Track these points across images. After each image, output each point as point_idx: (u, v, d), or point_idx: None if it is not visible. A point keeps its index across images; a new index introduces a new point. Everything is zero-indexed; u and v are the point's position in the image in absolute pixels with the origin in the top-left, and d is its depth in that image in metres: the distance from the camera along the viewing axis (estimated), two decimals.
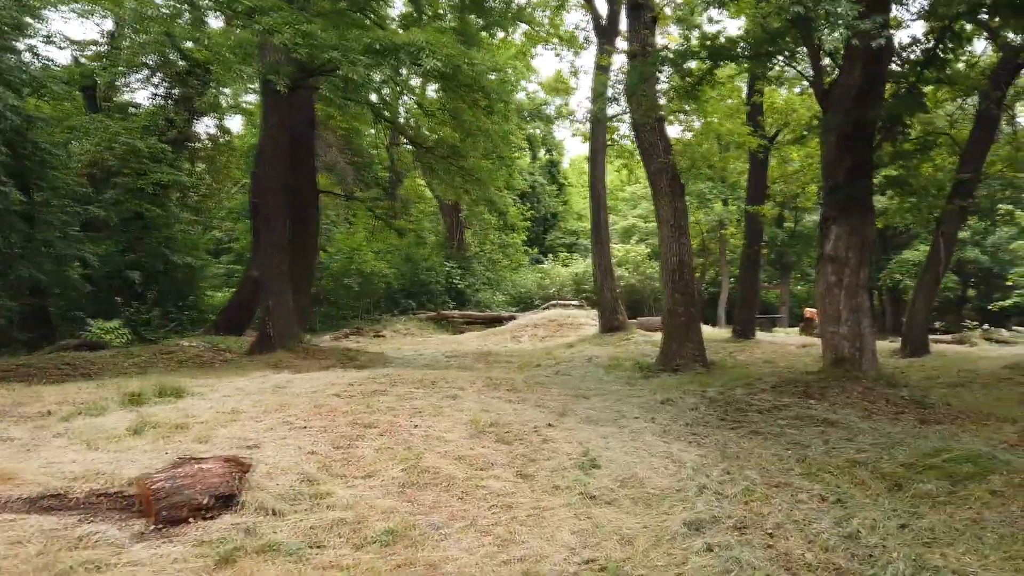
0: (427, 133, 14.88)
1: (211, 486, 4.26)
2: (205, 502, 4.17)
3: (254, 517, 4.18)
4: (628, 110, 12.05)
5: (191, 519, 4.07)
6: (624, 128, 24.43)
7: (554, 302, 29.06)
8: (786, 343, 17.40)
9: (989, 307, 25.57)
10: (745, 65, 10.37)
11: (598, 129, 20.20)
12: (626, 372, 11.43)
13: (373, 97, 14.60)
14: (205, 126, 23.84)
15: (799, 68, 10.45)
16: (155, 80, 22.81)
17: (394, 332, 25.01)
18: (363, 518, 4.31)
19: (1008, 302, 22.61)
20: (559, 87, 46.40)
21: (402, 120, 23.57)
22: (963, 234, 28.17)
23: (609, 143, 21.39)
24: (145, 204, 19.65)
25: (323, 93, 13.71)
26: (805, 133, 12.21)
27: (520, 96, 45.97)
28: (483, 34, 24.00)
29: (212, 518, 4.12)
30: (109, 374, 10.77)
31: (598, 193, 20.24)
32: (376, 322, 26.11)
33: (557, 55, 25.36)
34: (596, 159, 20.24)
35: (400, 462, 5.35)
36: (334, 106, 15.32)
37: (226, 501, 4.28)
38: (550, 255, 39.68)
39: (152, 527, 3.99)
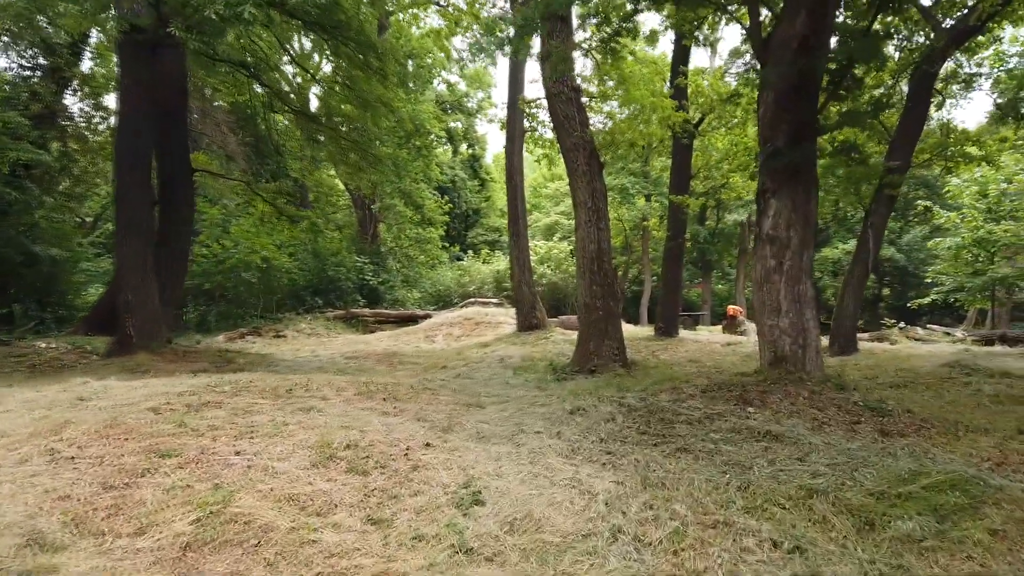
0: (318, 104, 13.05)
1: None
2: None
3: None
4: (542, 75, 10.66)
5: None
6: (544, 115, 23.27)
7: (472, 300, 27.67)
8: (711, 341, 16.49)
9: (908, 305, 25.60)
10: (670, 12, 9.18)
11: (515, 115, 18.88)
12: (537, 374, 10.04)
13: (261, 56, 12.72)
14: (80, 102, 21.15)
15: (734, 14, 9.32)
16: (19, 48, 20.07)
17: (297, 332, 23.00)
18: None
19: (926, 300, 22.53)
20: (480, 77, 45.20)
21: (316, 102, 21.62)
22: None
23: (528, 130, 20.10)
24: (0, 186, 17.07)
25: (194, 51, 11.73)
26: (741, 86, 11.15)
27: (440, 88, 44.58)
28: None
29: None
30: None
31: (515, 183, 18.91)
32: (278, 321, 24.02)
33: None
34: (513, 146, 18.89)
35: (197, 508, 3.76)
36: (205, 68, 13.29)
37: None
38: (470, 252, 38.19)
39: None
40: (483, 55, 13.08)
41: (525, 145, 19.85)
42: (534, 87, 29.79)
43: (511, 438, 5.57)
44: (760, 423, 5.50)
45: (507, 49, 7.50)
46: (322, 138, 12.90)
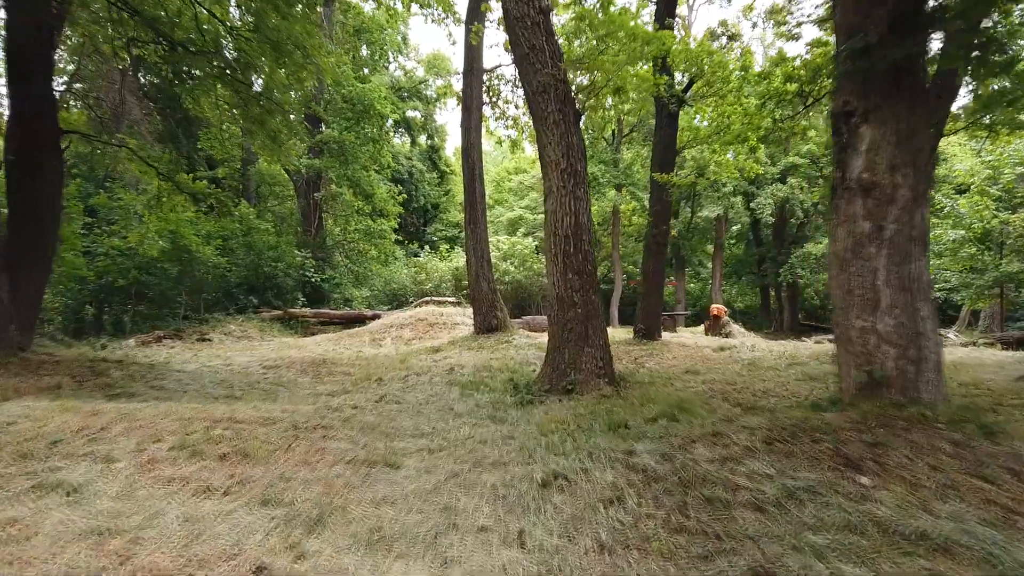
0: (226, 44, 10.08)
1: None
2: None
3: None
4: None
5: None
6: (507, 91, 20.63)
7: (428, 299, 24.99)
8: (700, 345, 14.04)
9: None
10: None
11: (473, 83, 16.28)
12: (493, 394, 7.35)
13: None
14: None
15: None
16: None
17: (225, 335, 20.02)
18: None
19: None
20: (438, 64, 42.46)
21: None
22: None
23: (487, 102, 17.53)
24: None
25: None
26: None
27: (397, 74, 41.71)
28: None
29: None
30: None
31: (473, 161, 16.25)
32: (205, 322, 21.02)
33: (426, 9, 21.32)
34: (470, 118, 16.25)
35: None
36: None
37: None
38: (427, 248, 35.37)
39: None
40: None
41: (484, 125, 17.30)
42: (493, 53, 27.18)
43: (432, 545, 2.92)
44: (894, 511, 2.94)
45: None
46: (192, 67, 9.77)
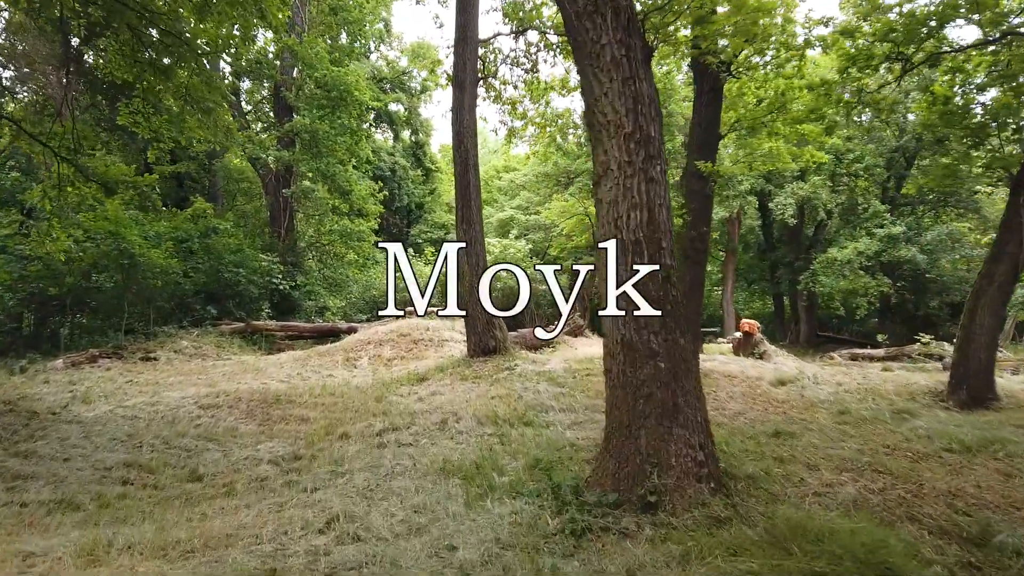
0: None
1: None
2: None
3: None
4: None
5: None
6: (505, 71, 17.74)
7: (411, 308, 22.07)
8: (749, 376, 11.20)
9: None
10: None
11: (466, 53, 13.44)
12: (518, 503, 4.36)
13: None
14: None
15: None
16: None
17: (176, 352, 17.00)
18: None
19: None
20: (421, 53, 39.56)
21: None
22: (896, 229, 23.78)
23: (481, 80, 14.76)
24: None
25: None
26: None
27: (379, 64, 38.83)
28: None
29: None
30: None
31: (466, 149, 13.36)
32: (153, 337, 18.02)
33: None
34: (463, 97, 13.37)
35: None
36: None
37: None
38: (412, 251, 32.44)
39: None
40: None
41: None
42: (490, 20, 24.49)
43: None
44: None
45: None
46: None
